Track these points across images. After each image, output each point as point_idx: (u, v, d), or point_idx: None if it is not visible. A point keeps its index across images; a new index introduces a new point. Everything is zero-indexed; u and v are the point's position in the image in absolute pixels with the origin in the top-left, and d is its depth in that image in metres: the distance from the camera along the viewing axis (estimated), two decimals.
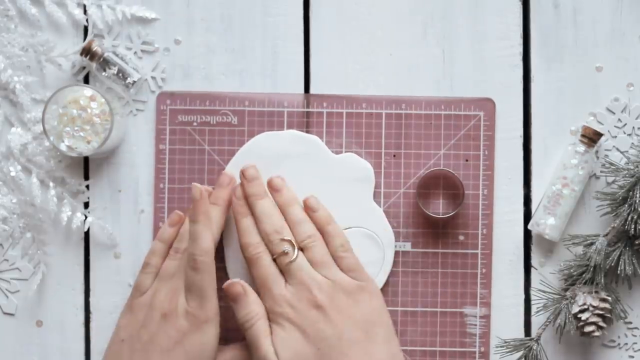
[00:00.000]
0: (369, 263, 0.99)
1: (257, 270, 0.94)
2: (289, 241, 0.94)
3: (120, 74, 0.99)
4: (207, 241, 0.94)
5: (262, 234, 0.95)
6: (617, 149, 1.00)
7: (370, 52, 1.01)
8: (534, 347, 0.97)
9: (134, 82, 0.99)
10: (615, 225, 0.97)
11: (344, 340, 0.90)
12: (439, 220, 0.99)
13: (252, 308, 0.93)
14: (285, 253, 0.93)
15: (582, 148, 0.98)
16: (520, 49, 1.01)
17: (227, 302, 0.95)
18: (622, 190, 0.96)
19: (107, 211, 1.01)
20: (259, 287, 0.94)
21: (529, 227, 0.99)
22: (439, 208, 1.00)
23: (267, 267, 0.94)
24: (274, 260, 0.94)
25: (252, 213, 0.96)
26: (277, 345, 0.91)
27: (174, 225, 0.98)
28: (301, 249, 0.94)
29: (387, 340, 0.92)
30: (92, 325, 1.01)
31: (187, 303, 0.93)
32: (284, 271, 0.94)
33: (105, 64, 0.99)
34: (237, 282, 0.94)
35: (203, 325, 0.93)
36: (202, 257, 0.93)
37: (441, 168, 0.99)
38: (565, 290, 0.98)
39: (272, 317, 0.93)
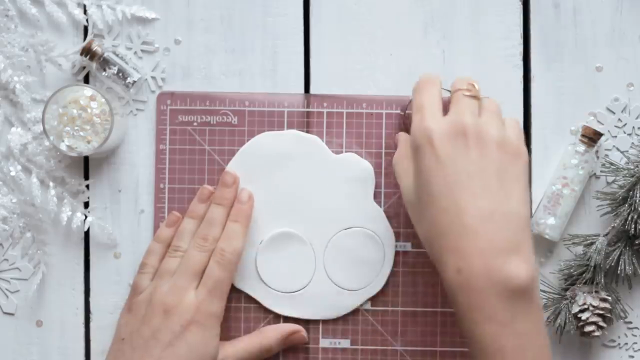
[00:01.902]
0: (369, 263, 0.99)
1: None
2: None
3: (120, 74, 0.99)
4: (242, 243, 0.96)
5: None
6: (617, 149, 1.00)
7: (370, 52, 1.01)
8: None
9: (134, 82, 0.99)
10: (615, 225, 0.97)
11: None
12: None
13: None
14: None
15: (582, 148, 0.98)
16: (520, 49, 1.01)
17: (229, 303, 0.95)
18: (622, 190, 0.96)
19: (107, 211, 1.01)
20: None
21: None
22: None
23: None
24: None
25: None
26: None
27: (172, 226, 0.98)
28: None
29: (521, 200, 0.87)
30: (92, 325, 1.01)
31: (196, 295, 0.94)
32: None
33: (105, 63, 0.99)
34: None
35: (207, 319, 0.93)
36: (231, 256, 0.95)
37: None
38: (565, 290, 0.98)
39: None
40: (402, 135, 0.95)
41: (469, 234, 0.83)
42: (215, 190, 0.99)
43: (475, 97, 0.90)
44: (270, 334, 0.98)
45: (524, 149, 0.89)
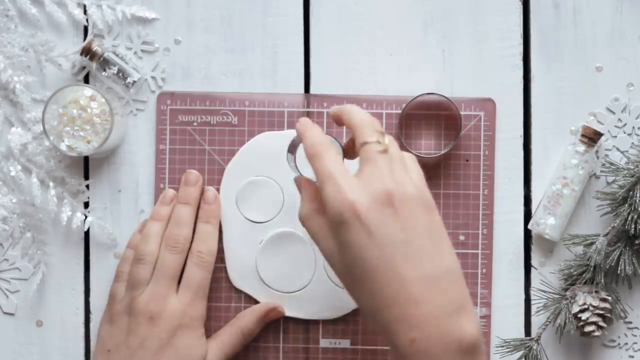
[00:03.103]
0: None
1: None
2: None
3: (120, 74, 0.99)
4: (215, 243, 0.97)
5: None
6: (617, 149, 1.00)
7: (370, 52, 1.01)
8: (534, 347, 0.97)
9: (134, 82, 0.99)
10: (615, 225, 0.97)
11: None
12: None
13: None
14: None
15: (582, 148, 0.98)
16: (520, 49, 1.01)
17: (229, 303, 0.95)
18: (622, 190, 0.96)
19: (107, 211, 1.01)
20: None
21: (529, 227, 1.00)
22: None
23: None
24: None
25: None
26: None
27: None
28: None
29: (451, 253, 0.83)
30: (92, 325, 1.01)
31: (180, 299, 0.94)
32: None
33: (105, 63, 0.99)
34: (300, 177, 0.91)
35: (193, 322, 0.94)
36: (209, 258, 0.96)
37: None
38: (565, 290, 0.98)
39: None
40: (302, 182, 0.89)
41: (417, 303, 0.80)
42: (179, 190, 0.99)
43: (386, 150, 0.83)
44: (247, 318, 0.98)
45: (430, 195, 0.84)
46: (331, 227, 0.82)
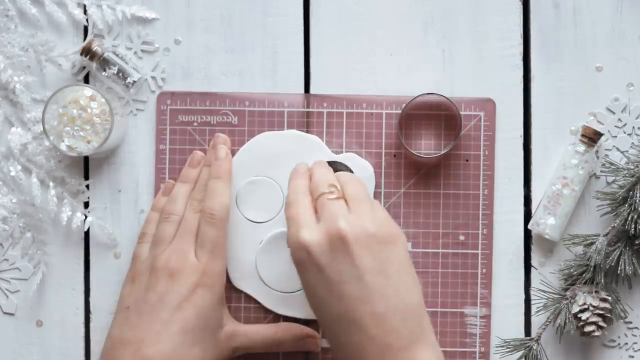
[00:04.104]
0: None
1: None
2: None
3: (120, 74, 0.99)
4: (227, 198, 0.96)
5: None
6: (617, 149, 1.00)
7: (370, 52, 1.01)
8: (534, 347, 0.97)
9: (134, 82, 0.99)
10: (615, 225, 0.97)
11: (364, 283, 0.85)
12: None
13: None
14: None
15: (582, 148, 0.98)
16: (520, 49, 1.01)
17: (229, 303, 0.95)
18: (622, 190, 0.96)
19: (107, 211, 1.01)
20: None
21: (529, 227, 1.00)
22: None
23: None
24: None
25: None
26: None
27: (168, 194, 0.99)
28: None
29: (409, 289, 0.86)
30: (92, 325, 1.01)
31: (198, 259, 0.94)
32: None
33: (105, 63, 0.99)
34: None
35: (212, 281, 0.94)
36: (221, 213, 0.95)
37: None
38: (565, 290, 0.98)
39: None
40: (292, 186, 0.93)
41: (369, 341, 0.83)
42: (207, 154, 1.00)
43: (339, 197, 0.88)
44: (286, 329, 0.98)
45: (397, 229, 0.87)
46: (295, 266, 0.88)
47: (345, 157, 0.99)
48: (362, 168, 0.99)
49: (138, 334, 0.92)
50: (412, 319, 0.84)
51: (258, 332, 0.97)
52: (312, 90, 1.01)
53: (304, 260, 0.86)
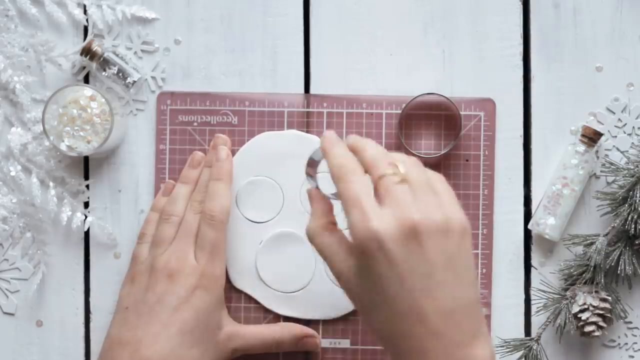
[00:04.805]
0: None
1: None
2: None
3: (120, 74, 0.99)
4: (228, 200, 0.96)
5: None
6: (617, 149, 1.00)
7: (370, 52, 1.01)
8: (534, 347, 0.97)
9: (134, 82, 0.99)
10: (615, 225, 0.97)
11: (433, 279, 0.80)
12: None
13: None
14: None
15: (582, 148, 0.98)
16: (520, 49, 1.01)
17: (229, 303, 0.95)
18: (622, 190, 0.96)
19: (107, 211, 1.01)
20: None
21: (529, 227, 0.99)
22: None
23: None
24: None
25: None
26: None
27: (168, 194, 0.99)
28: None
29: (473, 284, 0.82)
30: (92, 325, 1.01)
31: (197, 260, 0.94)
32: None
33: (105, 63, 0.99)
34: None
35: (211, 283, 0.94)
36: (221, 215, 0.95)
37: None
38: (565, 290, 0.98)
39: None
40: (315, 195, 0.88)
41: (433, 336, 0.79)
42: (207, 154, 1.00)
43: (403, 181, 0.81)
44: (286, 329, 0.98)
45: (464, 219, 0.82)
46: (352, 251, 0.81)
47: None
48: None
49: (136, 335, 0.92)
50: (474, 315, 0.81)
51: (257, 332, 0.97)
52: (312, 90, 1.01)
53: (373, 251, 0.79)
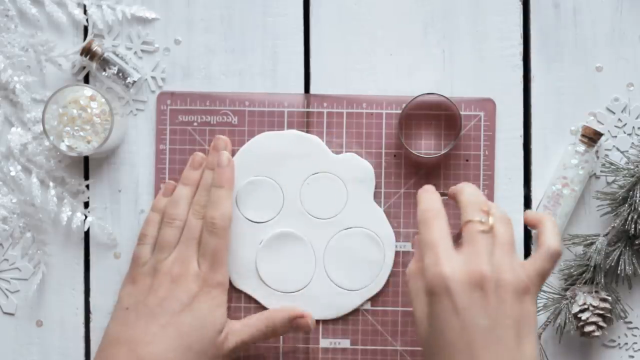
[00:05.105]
0: (369, 263, 0.99)
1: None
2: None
3: (120, 74, 0.99)
4: (229, 207, 0.96)
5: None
6: (617, 149, 1.00)
7: (370, 52, 1.01)
8: None
9: (134, 82, 0.99)
10: (615, 225, 0.97)
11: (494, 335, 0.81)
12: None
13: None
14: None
15: (582, 148, 0.98)
16: (520, 49, 1.01)
17: (229, 303, 0.95)
18: (622, 190, 0.96)
19: (107, 211, 1.01)
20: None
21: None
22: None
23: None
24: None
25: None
26: None
27: (168, 195, 0.99)
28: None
29: (533, 345, 0.82)
30: (92, 325, 1.01)
31: (199, 267, 0.95)
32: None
33: (105, 63, 0.99)
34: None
35: (213, 290, 0.94)
36: (222, 222, 0.95)
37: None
38: (565, 290, 0.98)
39: None
40: (416, 241, 0.88)
41: None
42: (208, 156, 0.99)
43: (489, 230, 0.82)
44: (277, 315, 0.97)
45: (533, 283, 0.82)
46: (426, 294, 0.82)
47: (345, 158, 0.99)
48: (362, 168, 0.99)
49: (134, 334, 0.93)
50: None
51: (247, 324, 0.97)
52: (312, 90, 1.01)
53: (440, 295, 0.81)
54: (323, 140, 1.00)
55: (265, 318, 0.97)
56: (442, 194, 0.87)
